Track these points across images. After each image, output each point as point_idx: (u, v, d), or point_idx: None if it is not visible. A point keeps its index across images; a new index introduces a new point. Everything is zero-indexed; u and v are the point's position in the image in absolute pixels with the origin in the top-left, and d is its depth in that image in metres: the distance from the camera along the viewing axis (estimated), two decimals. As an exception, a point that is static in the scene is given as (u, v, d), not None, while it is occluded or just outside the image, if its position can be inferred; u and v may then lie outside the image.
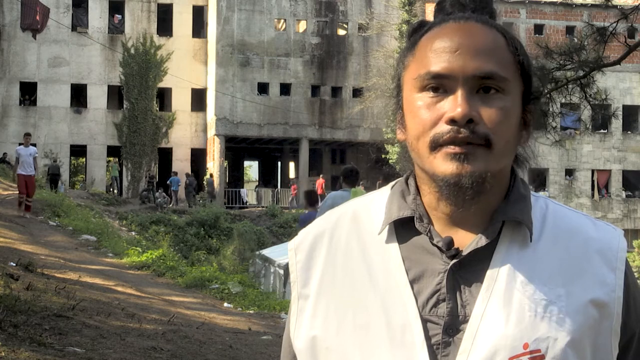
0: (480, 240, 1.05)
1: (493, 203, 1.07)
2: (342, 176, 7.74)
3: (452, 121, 1.01)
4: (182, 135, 38.96)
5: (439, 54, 1.04)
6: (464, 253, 1.05)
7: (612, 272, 1.06)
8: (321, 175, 36.56)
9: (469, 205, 1.05)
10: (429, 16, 1.17)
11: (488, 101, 1.03)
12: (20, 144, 18.22)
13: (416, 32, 1.11)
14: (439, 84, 1.04)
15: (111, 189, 36.22)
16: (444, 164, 1.02)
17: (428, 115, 1.04)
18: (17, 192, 17.96)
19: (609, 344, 1.05)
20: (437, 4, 1.13)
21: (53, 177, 29.14)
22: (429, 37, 1.08)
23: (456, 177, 1.02)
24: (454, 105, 1.02)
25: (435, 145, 1.03)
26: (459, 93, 1.02)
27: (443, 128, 1.02)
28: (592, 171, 38.75)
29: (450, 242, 1.06)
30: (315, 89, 38.50)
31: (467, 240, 1.06)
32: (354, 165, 7.94)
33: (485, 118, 1.02)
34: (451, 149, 1.01)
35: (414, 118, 1.06)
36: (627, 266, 1.08)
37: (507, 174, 1.10)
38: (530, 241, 1.06)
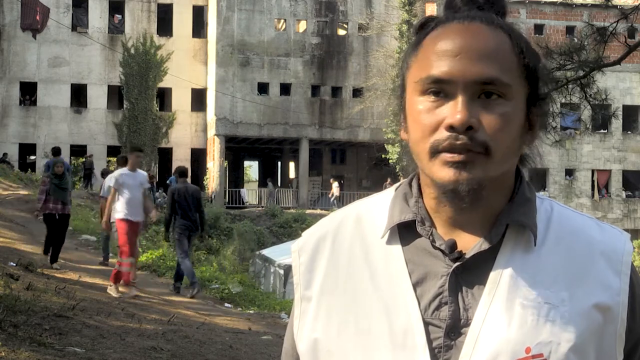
0: (484, 244, 1.04)
1: (497, 205, 1.07)
2: (176, 172, 11.48)
3: (451, 128, 1.00)
4: (182, 135, 38.96)
5: (440, 57, 1.02)
6: (467, 256, 1.04)
7: (616, 276, 1.05)
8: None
9: (468, 210, 1.05)
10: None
11: (489, 107, 1.02)
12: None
13: (422, 28, 1.09)
14: (440, 89, 1.02)
15: None
16: (442, 171, 1.01)
17: (428, 121, 1.03)
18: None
19: (613, 349, 1.04)
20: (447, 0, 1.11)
21: (87, 172, 28.29)
22: (432, 37, 1.06)
23: (453, 184, 1.01)
24: (453, 111, 1.01)
25: (435, 152, 1.02)
26: (459, 99, 1.01)
27: (442, 134, 1.01)
28: (592, 171, 38.74)
29: (453, 245, 1.05)
30: (315, 89, 38.48)
31: (470, 243, 1.05)
32: (184, 166, 11.55)
33: (485, 125, 1.01)
34: (449, 156, 1.01)
35: (415, 122, 1.05)
36: (632, 270, 1.06)
37: (512, 176, 1.09)
38: (535, 245, 1.05)
